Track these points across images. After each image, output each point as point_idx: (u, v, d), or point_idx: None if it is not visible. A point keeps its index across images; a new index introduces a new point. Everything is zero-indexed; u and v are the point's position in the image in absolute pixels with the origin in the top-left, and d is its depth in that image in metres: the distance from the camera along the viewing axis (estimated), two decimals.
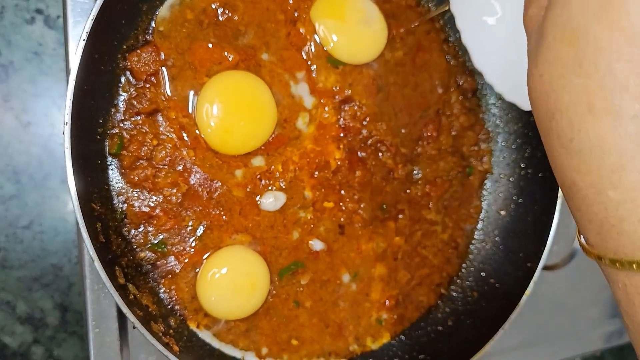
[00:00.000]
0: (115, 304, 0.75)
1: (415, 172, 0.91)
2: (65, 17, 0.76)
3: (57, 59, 0.89)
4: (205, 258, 0.77)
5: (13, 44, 0.87)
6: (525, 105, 0.74)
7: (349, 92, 0.85)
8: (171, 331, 0.73)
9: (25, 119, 0.88)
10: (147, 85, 0.73)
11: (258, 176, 0.80)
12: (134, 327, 0.64)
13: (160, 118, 0.75)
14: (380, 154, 0.88)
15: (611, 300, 1.16)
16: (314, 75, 0.83)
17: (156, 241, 0.74)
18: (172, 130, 0.75)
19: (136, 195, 0.73)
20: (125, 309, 0.63)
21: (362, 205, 0.86)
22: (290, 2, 0.82)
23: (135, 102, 0.72)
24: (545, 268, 0.87)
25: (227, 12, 0.78)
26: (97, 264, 0.61)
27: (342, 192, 0.85)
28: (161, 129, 0.75)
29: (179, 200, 0.75)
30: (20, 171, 0.87)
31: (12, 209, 0.87)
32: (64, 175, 0.82)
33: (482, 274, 0.94)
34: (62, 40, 0.81)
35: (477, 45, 0.75)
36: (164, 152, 0.74)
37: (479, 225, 0.97)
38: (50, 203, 0.89)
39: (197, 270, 0.77)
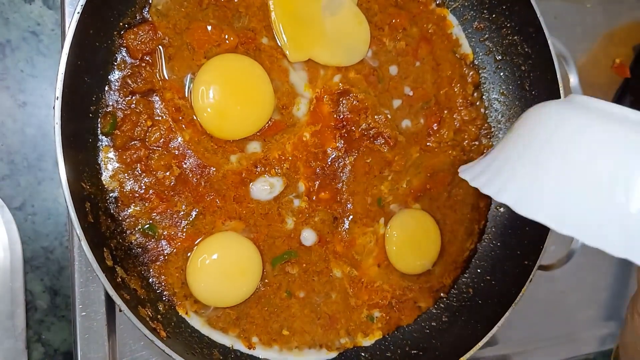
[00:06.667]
0: (103, 288, 0.74)
1: (414, 165, 0.89)
2: None
3: (55, 40, 0.87)
4: (197, 243, 0.76)
5: (11, 22, 0.86)
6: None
7: (349, 82, 0.83)
8: (159, 316, 0.71)
9: (21, 99, 0.86)
10: (143, 65, 0.72)
11: (253, 162, 0.78)
12: (120, 311, 0.62)
13: (155, 99, 0.73)
14: (378, 147, 0.86)
15: (607, 302, 1.15)
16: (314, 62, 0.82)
17: (147, 224, 0.73)
18: (168, 111, 0.73)
19: (128, 176, 0.72)
20: (111, 291, 0.61)
21: (356, 198, 0.85)
22: None
23: (130, 81, 0.70)
24: (542, 268, 0.85)
25: None
26: (84, 243, 0.60)
27: (339, 184, 0.84)
28: (156, 109, 0.73)
29: (172, 184, 0.74)
30: (14, 151, 0.86)
31: (5, 190, 0.85)
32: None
33: (479, 270, 0.92)
34: (60, 20, 0.80)
35: None
36: (158, 133, 0.73)
37: None
38: (43, 185, 0.87)
39: (189, 255, 0.75)
